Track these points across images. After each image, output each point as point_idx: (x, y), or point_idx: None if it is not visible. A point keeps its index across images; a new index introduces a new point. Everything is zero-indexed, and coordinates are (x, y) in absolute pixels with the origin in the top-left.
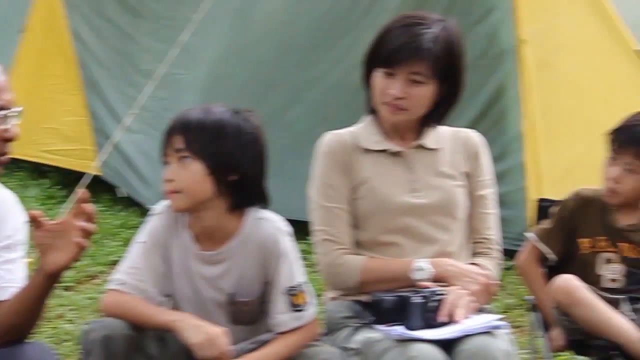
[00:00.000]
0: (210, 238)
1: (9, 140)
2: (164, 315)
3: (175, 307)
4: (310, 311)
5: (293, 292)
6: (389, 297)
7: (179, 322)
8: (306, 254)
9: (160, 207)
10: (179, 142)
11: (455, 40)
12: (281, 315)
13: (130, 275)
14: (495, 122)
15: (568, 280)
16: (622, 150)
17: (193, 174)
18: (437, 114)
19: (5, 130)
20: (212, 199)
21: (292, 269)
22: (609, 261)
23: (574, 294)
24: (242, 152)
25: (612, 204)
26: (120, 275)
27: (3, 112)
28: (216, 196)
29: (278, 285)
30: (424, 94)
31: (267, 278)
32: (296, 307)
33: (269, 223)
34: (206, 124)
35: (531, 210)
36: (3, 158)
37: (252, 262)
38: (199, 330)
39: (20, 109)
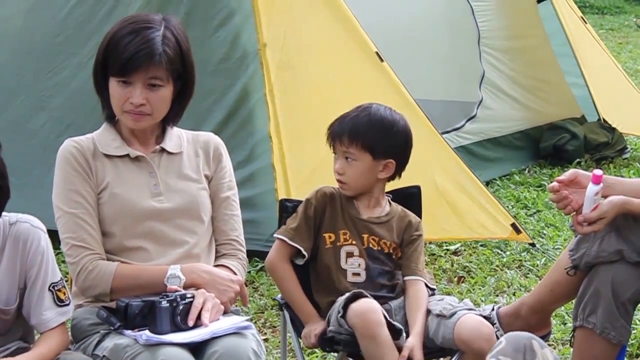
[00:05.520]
0: None
1: None
2: None
3: None
4: (72, 306)
5: (57, 287)
6: (135, 302)
7: None
8: (57, 262)
9: None
10: None
11: (182, 38)
12: (48, 312)
13: None
14: (242, 124)
15: (370, 313)
16: (335, 142)
17: None
18: (174, 113)
19: None
20: None
21: (54, 265)
22: (350, 255)
23: (372, 329)
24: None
25: (348, 197)
26: None
27: None
28: None
29: (43, 282)
30: (164, 96)
31: (27, 281)
32: (61, 302)
33: (25, 224)
34: None
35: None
36: None
37: (12, 268)
38: None
39: None
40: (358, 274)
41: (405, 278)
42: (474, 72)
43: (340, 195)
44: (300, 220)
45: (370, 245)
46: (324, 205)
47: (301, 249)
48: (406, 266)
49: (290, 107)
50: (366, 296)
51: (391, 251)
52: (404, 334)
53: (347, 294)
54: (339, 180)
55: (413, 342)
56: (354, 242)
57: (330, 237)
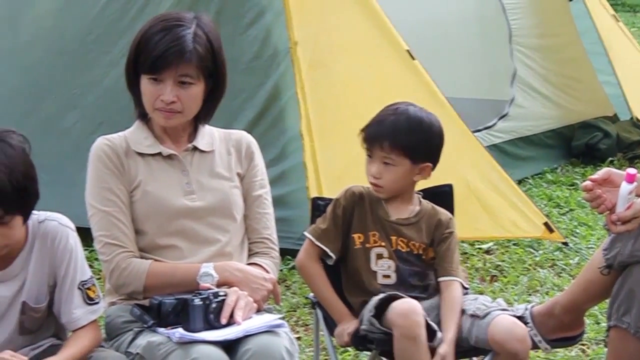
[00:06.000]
0: (1, 258)
1: None
2: None
3: None
4: (102, 304)
5: (87, 286)
6: (169, 300)
7: None
8: (89, 260)
9: None
10: None
11: (214, 36)
12: (78, 310)
13: None
14: (273, 123)
15: (412, 314)
16: (374, 146)
17: (17, 228)
18: (206, 111)
19: None
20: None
21: (83, 263)
22: (380, 256)
23: (414, 330)
24: (31, 176)
25: (382, 199)
26: None
27: None
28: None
29: (72, 280)
30: (195, 93)
31: (56, 279)
32: (91, 301)
33: (53, 222)
34: (16, 180)
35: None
36: None
37: (42, 265)
38: None
39: None
40: (388, 276)
41: (440, 279)
42: (505, 70)
43: (370, 195)
44: (329, 221)
45: (399, 248)
46: (353, 205)
47: (327, 250)
48: (440, 267)
49: (322, 105)
50: (402, 297)
51: (421, 252)
52: (439, 335)
53: (382, 295)
54: (374, 184)
55: (446, 350)
56: (383, 244)
57: (359, 238)
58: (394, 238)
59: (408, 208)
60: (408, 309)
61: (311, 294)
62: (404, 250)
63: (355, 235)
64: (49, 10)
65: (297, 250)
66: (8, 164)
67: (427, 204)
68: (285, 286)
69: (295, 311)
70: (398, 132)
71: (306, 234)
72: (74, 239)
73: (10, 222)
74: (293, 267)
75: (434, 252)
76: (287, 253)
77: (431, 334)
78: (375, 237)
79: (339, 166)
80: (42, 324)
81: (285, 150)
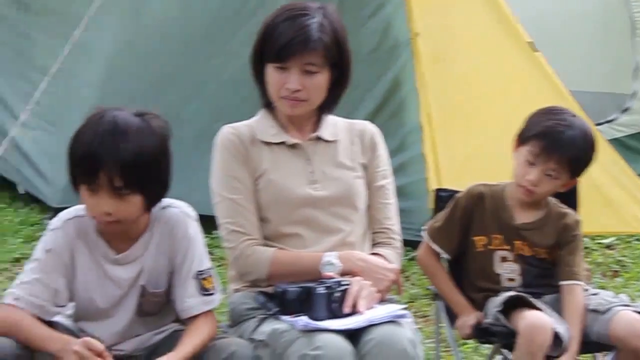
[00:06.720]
0: (122, 240)
1: None
2: (51, 344)
3: (81, 311)
4: (218, 296)
5: (203, 276)
6: (293, 288)
7: (64, 352)
8: (211, 247)
9: (57, 221)
10: (117, 181)
11: (339, 25)
12: (191, 299)
13: (26, 290)
14: (393, 114)
15: (539, 333)
16: (546, 156)
17: (133, 206)
18: (331, 100)
19: None
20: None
21: (201, 253)
22: (504, 259)
23: (534, 349)
24: (160, 161)
25: (503, 199)
26: (16, 289)
27: None
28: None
29: (188, 269)
30: (320, 82)
31: (174, 267)
32: (206, 291)
33: (175, 209)
34: (143, 157)
35: (431, 201)
36: None
37: (162, 251)
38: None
39: None
40: (513, 279)
41: (562, 282)
42: (627, 63)
43: (494, 196)
44: (446, 220)
45: (524, 252)
46: (473, 206)
47: (440, 251)
48: (562, 270)
49: (442, 97)
50: (533, 305)
51: (545, 256)
52: (564, 345)
53: (511, 293)
54: (528, 190)
55: None
56: (506, 247)
57: (481, 241)
58: (517, 242)
59: (534, 212)
60: (538, 325)
61: (432, 286)
62: (527, 254)
63: (477, 238)
64: (172, 1)
65: (416, 242)
66: (140, 140)
67: (554, 204)
68: (405, 277)
69: (414, 302)
70: (574, 149)
71: (424, 230)
72: (194, 228)
73: (127, 197)
74: (412, 259)
75: (558, 255)
76: (406, 244)
77: (557, 339)
78: (499, 240)
79: (459, 158)
80: (162, 308)
81: (404, 141)
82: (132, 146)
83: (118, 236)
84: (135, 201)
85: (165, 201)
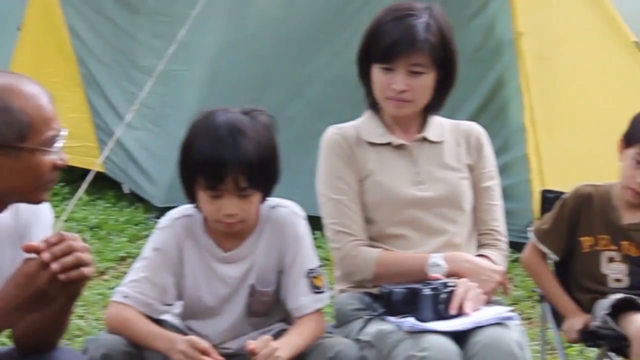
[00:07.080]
0: (231, 238)
1: (61, 168)
2: (158, 342)
3: (188, 309)
4: (327, 294)
5: (313, 274)
6: (399, 289)
7: (170, 351)
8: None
9: (166, 220)
10: (243, 182)
11: (445, 26)
12: (303, 298)
13: (134, 289)
14: (496, 114)
15: None
16: None
17: (255, 204)
18: (437, 101)
19: (60, 159)
20: None
21: (311, 252)
22: (611, 260)
23: None
24: (275, 156)
25: (609, 199)
26: (125, 287)
27: (58, 143)
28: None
29: (299, 268)
30: (426, 83)
31: (283, 266)
32: (317, 289)
33: (284, 209)
34: (263, 154)
35: (536, 202)
36: (52, 184)
37: (271, 251)
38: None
39: (66, 132)
40: (620, 280)
41: None
42: None
43: (601, 197)
44: (553, 221)
45: (631, 253)
46: (580, 207)
47: (548, 252)
48: None
49: (546, 97)
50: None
51: None
52: None
53: (620, 295)
54: (635, 190)
55: None
56: (613, 248)
57: (587, 242)
58: (624, 243)
59: None
60: None
61: (537, 288)
62: (635, 255)
63: (583, 239)
64: (275, 1)
65: (520, 243)
66: (257, 138)
67: None
68: (508, 278)
69: (517, 304)
70: None
71: (530, 232)
72: (304, 228)
73: (250, 197)
74: (515, 260)
75: None
76: (509, 245)
77: None
78: (605, 240)
79: (564, 159)
80: (271, 308)
81: (507, 142)
82: (252, 145)
83: (227, 235)
84: (256, 199)
85: (274, 201)
